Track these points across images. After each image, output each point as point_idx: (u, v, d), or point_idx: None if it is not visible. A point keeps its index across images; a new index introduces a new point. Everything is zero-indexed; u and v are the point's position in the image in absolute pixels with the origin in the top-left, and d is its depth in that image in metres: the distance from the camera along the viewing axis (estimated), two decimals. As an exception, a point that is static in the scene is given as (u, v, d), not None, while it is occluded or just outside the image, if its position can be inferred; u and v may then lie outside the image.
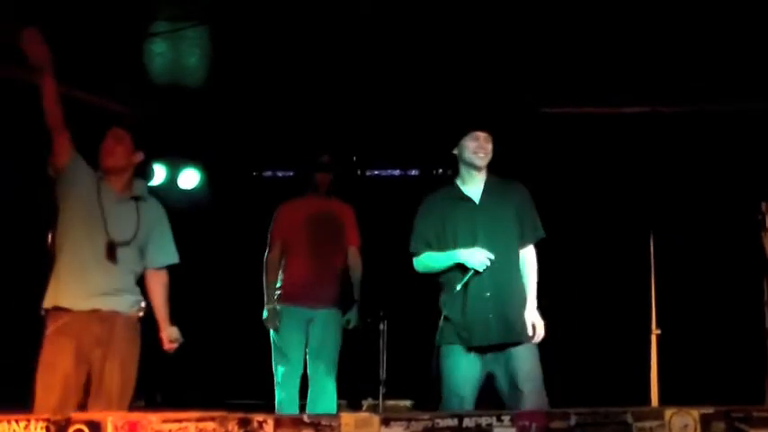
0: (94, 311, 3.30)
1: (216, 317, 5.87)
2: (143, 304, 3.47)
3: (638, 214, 5.48)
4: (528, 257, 3.61)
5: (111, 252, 3.30)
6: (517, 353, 3.48)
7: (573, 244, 5.74)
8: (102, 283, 3.31)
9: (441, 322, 3.58)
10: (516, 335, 3.49)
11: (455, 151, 3.62)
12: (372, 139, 5.93)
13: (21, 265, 5.12)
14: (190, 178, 6.22)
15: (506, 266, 3.51)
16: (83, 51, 4.55)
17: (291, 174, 6.42)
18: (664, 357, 4.85)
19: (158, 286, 3.56)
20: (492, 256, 3.44)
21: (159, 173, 5.93)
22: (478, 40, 4.52)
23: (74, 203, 3.36)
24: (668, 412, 2.65)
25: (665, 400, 4.66)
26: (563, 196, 5.76)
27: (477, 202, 3.59)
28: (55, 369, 3.21)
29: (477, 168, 3.58)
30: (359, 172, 6.40)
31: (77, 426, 2.33)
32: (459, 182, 3.64)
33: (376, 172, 6.46)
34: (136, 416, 2.54)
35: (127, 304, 3.39)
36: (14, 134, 4.94)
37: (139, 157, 3.49)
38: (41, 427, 2.34)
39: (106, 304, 3.32)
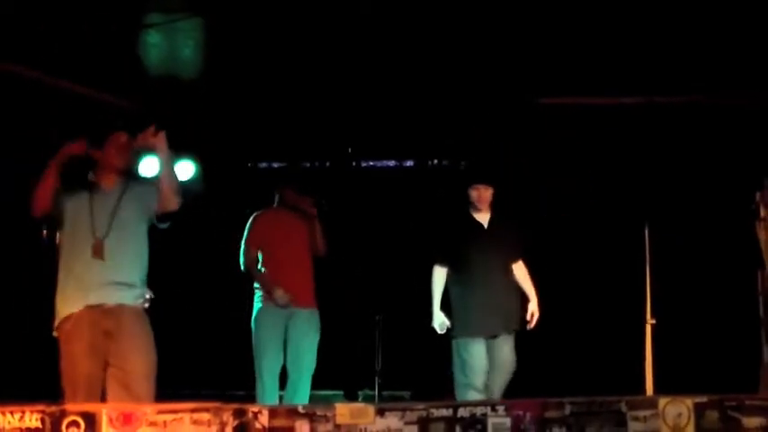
0: (98, 306, 3.38)
1: (209, 308, 5.87)
2: (148, 296, 3.51)
3: (633, 204, 5.48)
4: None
5: (97, 249, 3.38)
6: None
7: (568, 234, 5.74)
8: (96, 280, 3.39)
9: None
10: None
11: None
12: (367, 130, 5.92)
13: (19, 264, 5.15)
14: (185, 170, 6.20)
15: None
16: (77, 43, 4.54)
17: (285, 165, 6.42)
18: (658, 347, 4.86)
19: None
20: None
21: (154, 165, 5.90)
22: (474, 30, 4.51)
23: (67, 221, 3.48)
24: (662, 401, 2.66)
25: (660, 389, 4.68)
26: (559, 187, 5.77)
27: (485, 226, 4.68)
28: (75, 372, 3.33)
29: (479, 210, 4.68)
30: (353, 163, 6.40)
31: (72, 417, 2.33)
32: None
33: (371, 163, 6.46)
34: (131, 407, 2.54)
35: (131, 296, 3.45)
36: (15, 134, 4.95)
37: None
38: (36, 419, 2.34)
39: (110, 298, 3.40)
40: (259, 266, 4.73)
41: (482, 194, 4.63)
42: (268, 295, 4.63)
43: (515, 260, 4.67)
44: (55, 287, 3.49)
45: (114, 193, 3.52)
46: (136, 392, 3.30)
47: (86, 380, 3.35)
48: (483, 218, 4.66)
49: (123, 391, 3.32)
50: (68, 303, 3.41)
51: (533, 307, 4.58)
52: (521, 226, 4.76)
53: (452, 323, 4.53)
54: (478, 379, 4.40)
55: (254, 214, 4.84)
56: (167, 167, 3.55)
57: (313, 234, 4.74)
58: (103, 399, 3.36)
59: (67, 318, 3.40)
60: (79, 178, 3.52)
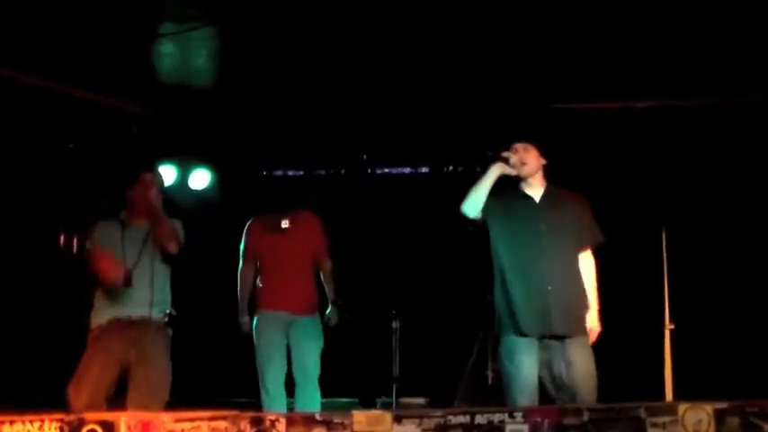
0: (126, 318, 3.84)
1: (223, 316, 5.88)
2: (168, 311, 3.93)
3: (650, 208, 5.44)
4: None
5: (127, 279, 3.81)
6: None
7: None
8: (124, 301, 3.85)
9: None
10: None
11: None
12: (382, 137, 5.93)
13: (21, 265, 5.20)
14: (200, 179, 6.24)
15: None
16: (92, 52, 4.58)
17: (302, 173, 6.44)
18: (677, 352, 4.82)
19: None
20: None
21: (170, 174, 5.94)
22: (488, 35, 4.51)
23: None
24: (682, 407, 2.63)
25: (679, 395, 4.64)
26: (574, 192, 5.74)
27: (537, 201, 3.68)
28: (88, 368, 3.71)
29: (526, 181, 3.67)
30: (369, 170, 6.40)
31: (91, 426, 2.33)
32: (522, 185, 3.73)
33: (386, 170, 6.46)
34: (149, 415, 2.54)
35: (155, 312, 3.88)
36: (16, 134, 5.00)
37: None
38: (56, 428, 2.35)
39: (136, 312, 3.84)
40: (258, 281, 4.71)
41: (522, 157, 3.58)
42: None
43: (579, 248, 3.64)
44: (83, 298, 3.92)
45: (143, 229, 3.92)
46: (146, 400, 3.63)
47: (96, 379, 3.68)
48: (534, 191, 3.65)
49: (138, 399, 3.66)
50: (99, 316, 3.86)
51: (591, 321, 3.60)
52: (588, 206, 3.75)
53: (497, 320, 3.61)
54: (524, 397, 3.43)
55: (252, 219, 4.75)
56: (158, 220, 3.87)
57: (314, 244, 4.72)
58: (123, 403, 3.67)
59: (97, 327, 3.84)
60: (113, 214, 3.97)
